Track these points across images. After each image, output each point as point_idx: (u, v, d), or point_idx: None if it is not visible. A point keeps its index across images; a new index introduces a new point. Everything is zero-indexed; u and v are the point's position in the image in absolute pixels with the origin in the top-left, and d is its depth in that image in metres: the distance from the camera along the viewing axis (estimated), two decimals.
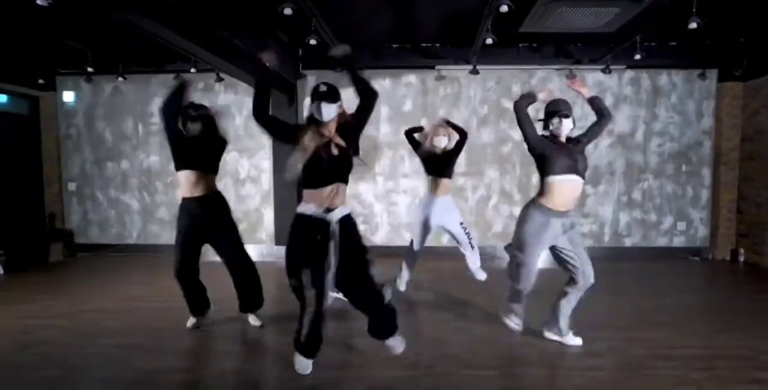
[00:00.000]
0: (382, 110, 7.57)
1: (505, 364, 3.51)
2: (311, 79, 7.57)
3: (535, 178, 7.56)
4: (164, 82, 7.65)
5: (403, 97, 7.59)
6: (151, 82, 7.71)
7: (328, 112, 2.90)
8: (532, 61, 7.28)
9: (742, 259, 7.38)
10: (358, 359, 3.60)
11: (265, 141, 7.64)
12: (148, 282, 6.07)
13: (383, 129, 7.54)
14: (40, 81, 7.44)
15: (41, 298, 5.31)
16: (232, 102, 7.65)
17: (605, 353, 3.71)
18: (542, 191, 3.64)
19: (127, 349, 3.79)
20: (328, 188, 2.96)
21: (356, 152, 3.10)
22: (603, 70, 7.09)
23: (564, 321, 3.83)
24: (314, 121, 2.98)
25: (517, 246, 3.69)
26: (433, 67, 7.46)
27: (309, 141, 2.90)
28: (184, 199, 3.96)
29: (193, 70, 6.96)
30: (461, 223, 5.26)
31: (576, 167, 3.52)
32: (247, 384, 3.29)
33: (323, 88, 2.94)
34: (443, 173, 5.13)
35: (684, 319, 4.54)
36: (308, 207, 3.00)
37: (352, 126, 3.06)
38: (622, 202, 7.61)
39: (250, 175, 7.70)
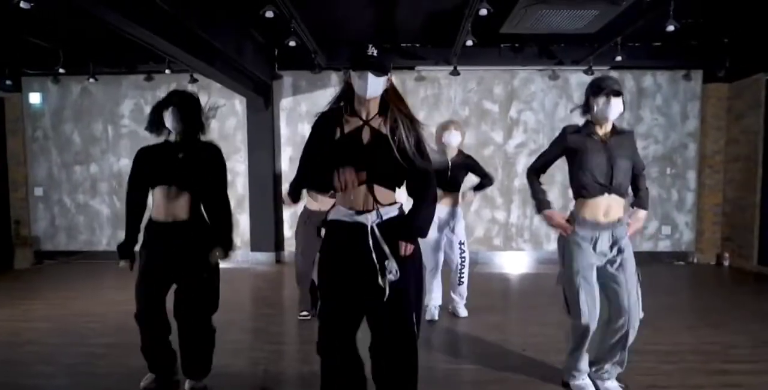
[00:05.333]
0: None
1: (485, 359, 3.54)
2: (287, 79, 7.34)
3: (518, 181, 7.49)
4: (135, 83, 7.40)
5: None
6: (121, 83, 7.43)
7: (375, 86, 2.12)
8: (514, 61, 7.11)
9: (727, 263, 7.26)
10: None
11: (240, 143, 7.40)
12: (123, 287, 5.78)
13: None
14: (7, 82, 7.15)
15: (18, 303, 5.20)
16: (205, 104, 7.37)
17: None
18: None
19: (118, 349, 3.72)
20: (360, 189, 2.20)
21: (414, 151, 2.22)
22: (585, 72, 6.92)
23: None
24: (349, 97, 2.25)
25: None
26: (412, 68, 7.27)
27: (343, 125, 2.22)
28: None
29: (167, 70, 6.73)
30: (461, 243, 4.58)
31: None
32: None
33: (373, 51, 2.10)
34: (453, 187, 4.50)
35: (660, 317, 4.40)
36: (337, 210, 2.29)
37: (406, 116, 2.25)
38: None
39: None
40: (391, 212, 2.25)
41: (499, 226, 7.48)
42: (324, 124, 2.28)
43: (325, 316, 2.27)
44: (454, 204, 4.53)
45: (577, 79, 7.25)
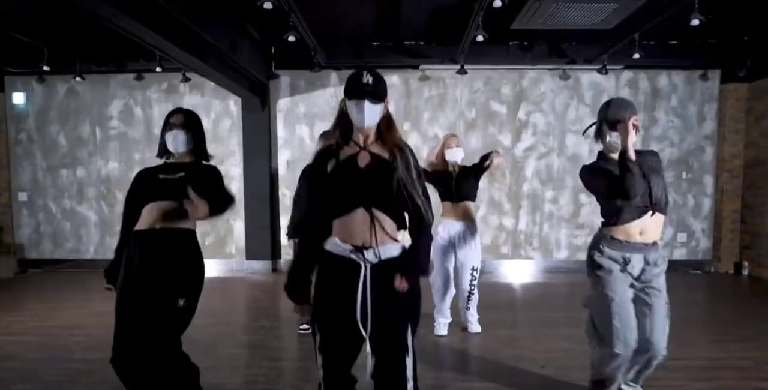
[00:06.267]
0: None
1: (499, 376, 3.32)
2: (284, 79, 7.01)
3: (526, 186, 7.17)
4: (124, 82, 7.07)
5: None
6: (109, 82, 7.10)
7: (372, 115, 2.02)
8: (523, 60, 6.80)
9: (746, 272, 6.95)
10: None
11: (235, 146, 7.07)
12: (111, 298, 5.56)
13: None
14: None
15: (1, 314, 4.97)
16: (198, 104, 7.05)
17: None
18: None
19: (103, 364, 3.28)
20: (358, 214, 2.03)
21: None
22: (599, 71, 6.63)
23: None
24: (345, 124, 2.13)
25: None
26: (417, 67, 6.96)
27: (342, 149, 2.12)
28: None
29: (158, 69, 6.42)
30: (473, 269, 4.17)
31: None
32: None
33: (368, 79, 1.99)
34: (462, 196, 4.15)
35: (684, 330, 4.18)
36: (333, 243, 2.09)
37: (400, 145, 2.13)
38: None
39: None
40: (392, 251, 2.07)
41: (507, 234, 7.15)
42: (319, 162, 2.13)
43: (325, 351, 2.12)
44: (467, 217, 4.14)
45: (590, 79, 6.94)
